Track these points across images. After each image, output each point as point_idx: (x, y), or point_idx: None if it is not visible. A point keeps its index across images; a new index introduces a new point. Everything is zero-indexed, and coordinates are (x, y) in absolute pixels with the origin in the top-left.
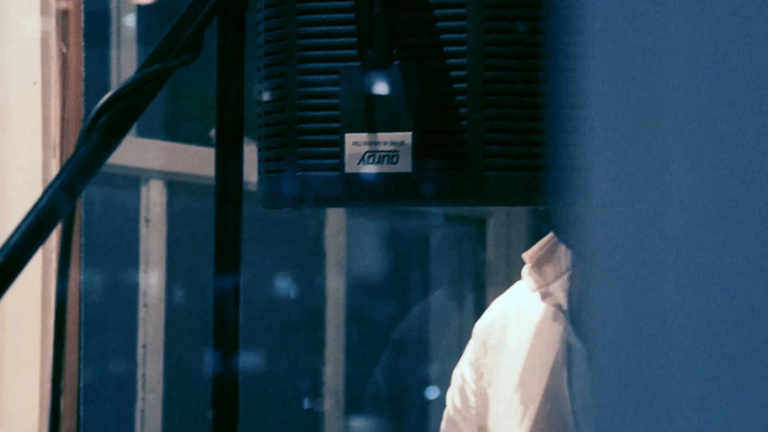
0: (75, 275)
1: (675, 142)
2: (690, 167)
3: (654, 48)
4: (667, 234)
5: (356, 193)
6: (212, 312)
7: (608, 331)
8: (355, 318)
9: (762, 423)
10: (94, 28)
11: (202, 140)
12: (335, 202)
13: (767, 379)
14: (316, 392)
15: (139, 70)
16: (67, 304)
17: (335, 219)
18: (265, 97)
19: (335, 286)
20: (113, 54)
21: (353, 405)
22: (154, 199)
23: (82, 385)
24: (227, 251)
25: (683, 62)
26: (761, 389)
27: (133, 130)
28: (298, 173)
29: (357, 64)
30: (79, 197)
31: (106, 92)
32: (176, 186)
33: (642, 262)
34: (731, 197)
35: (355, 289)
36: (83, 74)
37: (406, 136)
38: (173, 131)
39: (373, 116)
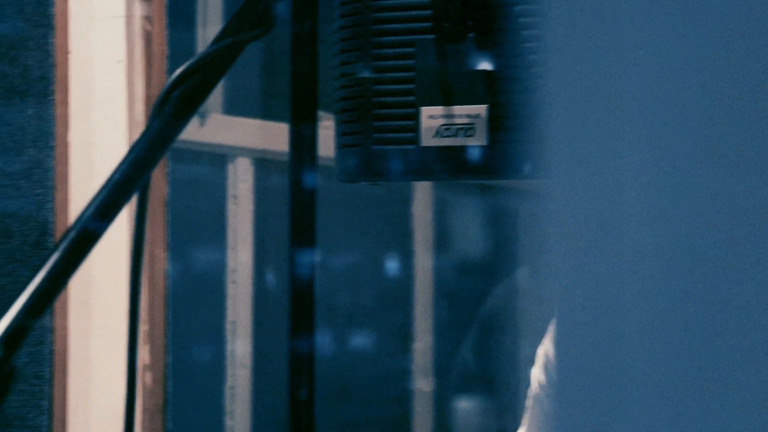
0: (161, 253)
1: (635, 120)
2: (649, 146)
3: (614, 23)
4: (624, 213)
5: (432, 167)
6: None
7: (567, 309)
8: (443, 295)
9: (719, 404)
10: (178, 6)
11: (288, 117)
12: (411, 176)
13: (727, 360)
14: (405, 370)
15: (211, 44)
16: (140, 278)
17: (422, 196)
18: (341, 72)
19: (423, 263)
20: (198, 32)
21: (442, 383)
22: (241, 176)
23: (169, 361)
24: (303, 227)
25: (645, 35)
26: (720, 370)
27: (220, 107)
28: (374, 147)
29: (432, 37)
30: (151, 171)
31: None
32: (263, 163)
33: (600, 242)
34: (691, 176)
35: (444, 267)
36: (167, 52)
37: (482, 109)
38: (260, 109)
39: (448, 89)
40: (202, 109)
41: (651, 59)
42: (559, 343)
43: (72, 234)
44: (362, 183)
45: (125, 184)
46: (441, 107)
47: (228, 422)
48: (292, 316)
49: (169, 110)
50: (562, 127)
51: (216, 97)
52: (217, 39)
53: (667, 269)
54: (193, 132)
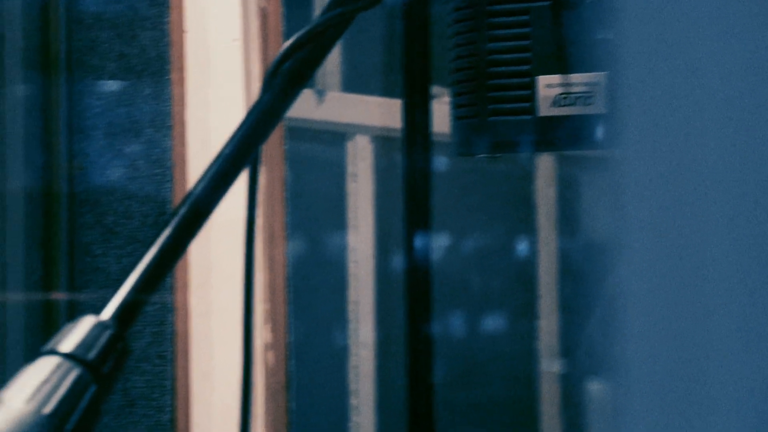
0: (281, 233)
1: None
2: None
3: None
4: (707, 218)
5: (550, 137)
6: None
7: (645, 304)
8: (568, 272)
9: None
10: None
11: None
12: (528, 147)
13: None
14: (532, 350)
15: (320, 15)
16: (254, 253)
17: (545, 171)
18: (456, 43)
19: (546, 237)
20: (314, 9)
21: (569, 363)
22: (360, 154)
23: (291, 340)
24: (418, 203)
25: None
26: None
27: (339, 85)
28: (490, 119)
29: (548, 3)
30: (262, 144)
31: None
32: (383, 141)
33: (680, 246)
34: None
35: (567, 242)
36: (283, 29)
37: (601, 76)
38: (379, 85)
39: (565, 57)
40: (320, 86)
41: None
42: (631, 341)
43: (183, 209)
44: (479, 156)
45: (236, 157)
46: (558, 76)
47: (352, 401)
48: (410, 297)
49: (280, 83)
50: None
51: (334, 74)
52: (327, 10)
53: (753, 265)
54: (311, 110)
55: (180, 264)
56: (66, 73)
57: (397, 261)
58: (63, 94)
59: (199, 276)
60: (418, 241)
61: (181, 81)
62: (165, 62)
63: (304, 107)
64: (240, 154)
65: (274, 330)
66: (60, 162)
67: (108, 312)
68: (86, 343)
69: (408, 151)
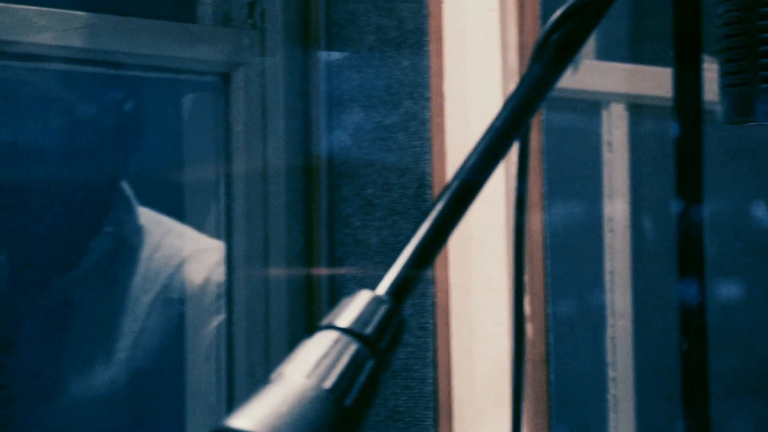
0: (538, 203)
1: None
2: None
3: None
4: None
5: None
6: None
7: None
8: None
9: None
10: None
11: (664, 61)
12: None
13: None
14: None
15: None
16: (525, 228)
17: None
18: (726, 9)
19: None
20: None
21: None
22: (615, 123)
23: (549, 311)
24: (689, 174)
25: None
26: None
27: (592, 53)
28: (762, 85)
29: None
30: (532, 117)
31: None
32: (638, 109)
33: None
34: None
35: None
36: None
37: None
38: (632, 53)
39: None
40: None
41: None
42: None
43: (455, 184)
44: (748, 124)
45: (506, 131)
46: None
47: (610, 373)
48: (682, 268)
49: (549, 54)
50: None
51: (588, 42)
52: None
53: None
54: (566, 79)
55: None
56: (325, 47)
57: (653, 229)
58: (322, 67)
59: (459, 249)
60: (689, 213)
61: (439, 52)
62: (423, 34)
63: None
64: (511, 126)
65: (532, 302)
66: (320, 135)
67: (383, 287)
68: (363, 318)
69: (680, 120)
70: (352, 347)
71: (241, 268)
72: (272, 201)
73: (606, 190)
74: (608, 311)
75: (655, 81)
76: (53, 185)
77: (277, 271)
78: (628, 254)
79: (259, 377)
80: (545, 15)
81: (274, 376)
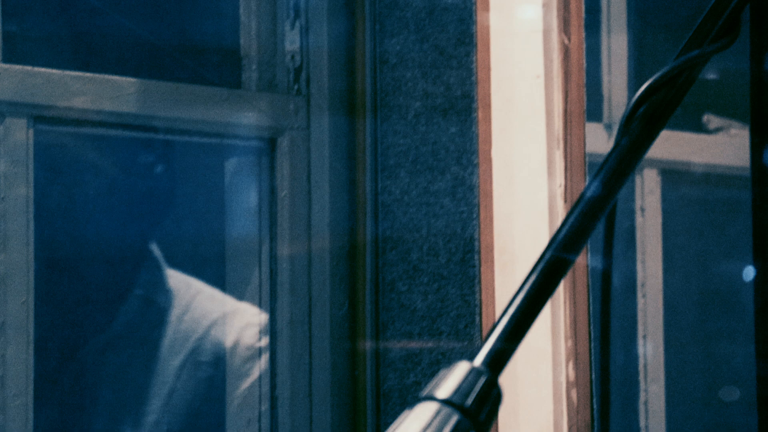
0: (583, 268)
1: None
2: None
3: None
4: None
5: None
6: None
7: None
8: None
9: None
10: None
11: (694, 127)
12: None
13: None
14: None
15: (675, 58)
16: (610, 310)
17: None
18: None
19: None
20: (603, 42)
21: None
22: (648, 188)
23: (593, 377)
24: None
25: None
26: None
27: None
28: None
29: None
30: (620, 189)
31: (598, 82)
32: (670, 174)
33: None
34: None
35: None
36: (584, 65)
37: None
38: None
39: None
40: (608, 120)
41: None
42: None
43: (548, 254)
44: None
45: (598, 201)
46: None
47: None
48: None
49: (636, 128)
50: None
51: (621, 107)
52: (682, 51)
53: None
54: (602, 145)
55: (487, 296)
56: (371, 113)
57: (684, 292)
58: (368, 134)
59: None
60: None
61: (487, 119)
62: (471, 100)
63: (595, 142)
64: (601, 197)
65: (577, 367)
66: (365, 200)
67: (480, 358)
68: (463, 390)
69: (756, 189)
70: (454, 419)
71: (285, 333)
72: (316, 266)
73: (639, 254)
74: (641, 375)
75: (687, 147)
76: (86, 248)
77: (322, 335)
78: (660, 317)
79: None
80: (592, 82)
81: None
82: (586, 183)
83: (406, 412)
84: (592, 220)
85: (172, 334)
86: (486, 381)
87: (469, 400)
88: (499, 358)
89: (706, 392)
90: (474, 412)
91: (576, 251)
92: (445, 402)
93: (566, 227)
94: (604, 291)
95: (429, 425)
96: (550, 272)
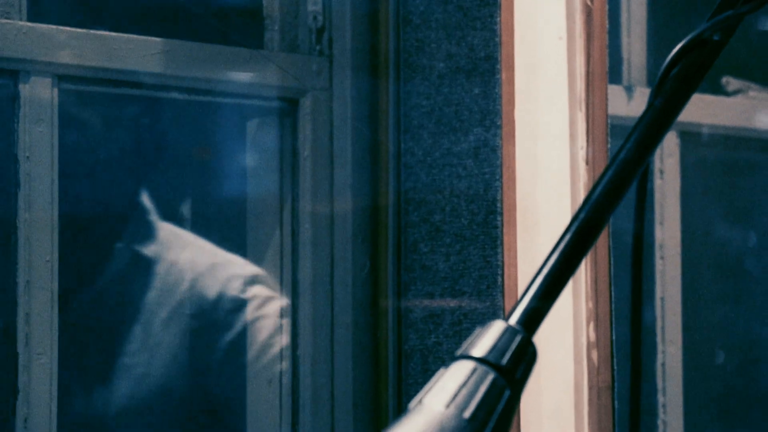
0: (605, 229)
1: None
2: None
3: None
4: None
5: None
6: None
7: None
8: None
9: None
10: None
11: (713, 89)
12: None
13: None
14: None
15: (709, 19)
16: (642, 270)
17: None
18: None
19: None
20: (623, 3)
21: None
22: (668, 150)
23: (614, 338)
24: None
25: None
26: None
27: (645, 81)
28: None
29: None
30: (655, 150)
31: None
32: (689, 137)
33: None
34: None
35: None
36: (607, 27)
37: None
38: None
39: None
40: (627, 83)
41: None
42: None
43: (582, 215)
44: None
45: (631, 162)
46: None
47: (660, 399)
48: None
49: (670, 88)
50: None
51: (641, 70)
52: (715, 13)
53: None
54: (622, 107)
55: (509, 257)
56: (394, 74)
57: (702, 256)
58: (391, 95)
59: (525, 274)
60: None
61: (511, 80)
62: (495, 61)
63: (615, 104)
64: (635, 159)
65: (598, 328)
66: (387, 161)
67: (515, 317)
68: (499, 348)
69: None
70: (490, 377)
71: (307, 293)
72: (338, 226)
73: (657, 216)
74: (659, 337)
75: (706, 109)
76: (110, 206)
77: (344, 296)
78: (678, 280)
79: (323, 402)
80: (612, 44)
81: (413, 404)
82: (608, 145)
83: (441, 370)
84: (626, 181)
85: (159, 286)
86: (521, 340)
87: (505, 359)
88: (534, 317)
89: (724, 354)
90: (510, 370)
91: (609, 212)
92: (481, 360)
93: (600, 187)
94: (635, 255)
95: (465, 383)
96: (584, 232)
